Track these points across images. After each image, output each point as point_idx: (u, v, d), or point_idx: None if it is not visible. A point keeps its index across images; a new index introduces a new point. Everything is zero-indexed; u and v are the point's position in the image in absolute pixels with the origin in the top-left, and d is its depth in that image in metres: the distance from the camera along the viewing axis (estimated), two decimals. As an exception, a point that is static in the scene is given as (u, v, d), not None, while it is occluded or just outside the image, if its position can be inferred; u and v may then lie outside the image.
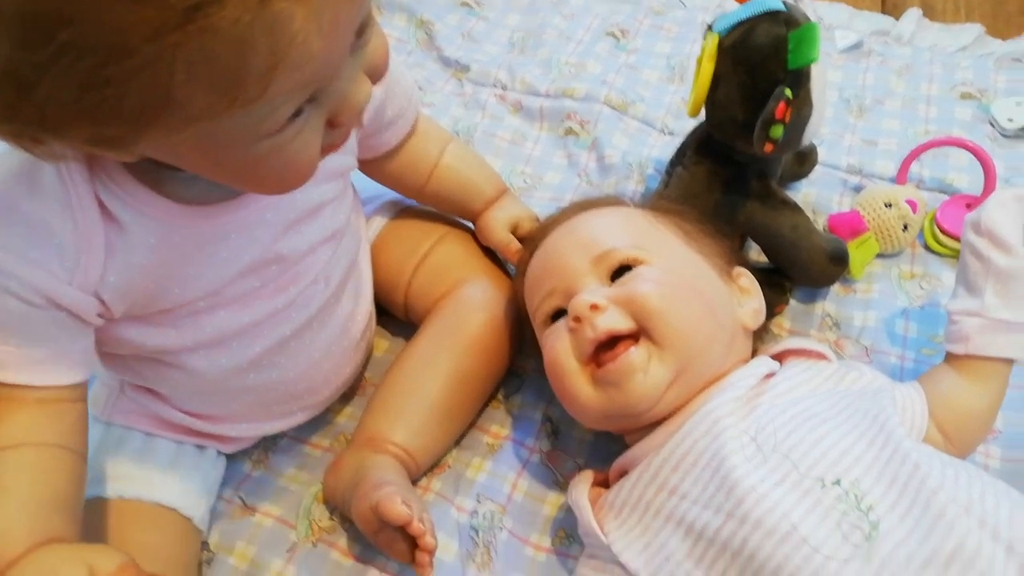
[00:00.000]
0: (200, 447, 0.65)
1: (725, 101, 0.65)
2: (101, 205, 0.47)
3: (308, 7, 0.35)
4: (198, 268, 0.52)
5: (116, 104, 0.34)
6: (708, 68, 0.64)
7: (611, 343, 0.54)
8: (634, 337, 0.54)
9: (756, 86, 0.62)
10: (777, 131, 0.60)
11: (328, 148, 0.46)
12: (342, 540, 0.64)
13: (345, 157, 0.62)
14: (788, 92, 0.60)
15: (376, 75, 0.46)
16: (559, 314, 0.59)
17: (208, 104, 0.36)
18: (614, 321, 0.54)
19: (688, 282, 0.57)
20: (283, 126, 0.40)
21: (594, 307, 0.54)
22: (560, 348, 0.56)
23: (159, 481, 0.61)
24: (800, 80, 0.61)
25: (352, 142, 0.62)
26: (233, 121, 0.38)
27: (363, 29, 0.42)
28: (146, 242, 0.49)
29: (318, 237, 0.59)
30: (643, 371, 0.53)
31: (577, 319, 0.55)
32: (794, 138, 0.63)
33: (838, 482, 0.48)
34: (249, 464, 0.69)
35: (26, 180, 0.45)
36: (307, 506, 0.66)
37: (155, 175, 0.48)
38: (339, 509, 0.65)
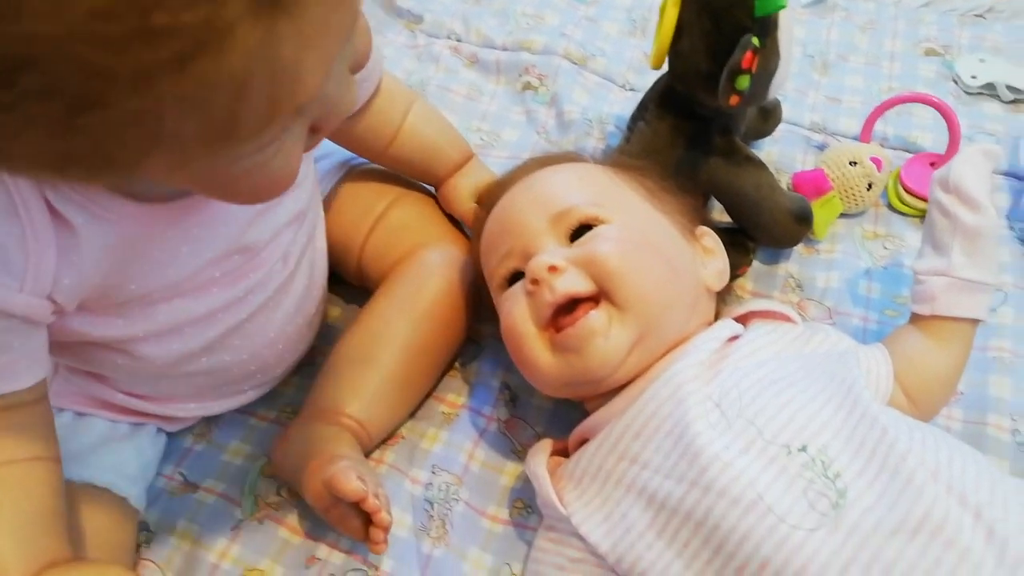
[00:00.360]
0: (136, 425, 0.61)
1: (689, 51, 0.62)
2: (51, 209, 0.43)
3: (312, 52, 0.32)
4: (158, 265, 0.48)
5: (87, 154, 0.31)
6: (672, 16, 0.61)
7: (570, 306, 0.51)
8: (594, 300, 0.51)
9: (722, 35, 0.59)
10: (743, 82, 0.57)
11: (308, 149, 0.43)
12: (290, 516, 0.61)
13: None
14: (755, 41, 0.57)
15: (359, 66, 0.43)
16: (516, 277, 0.56)
17: (191, 151, 0.33)
18: (573, 283, 0.51)
19: (650, 242, 0.54)
20: (267, 143, 0.37)
21: (552, 269, 0.51)
22: (517, 312, 0.53)
23: (89, 460, 0.57)
24: (767, 28, 0.58)
25: None
26: (229, 152, 0.35)
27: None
28: (103, 243, 0.45)
29: (282, 221, 0.56)
30: (604, 335, 0.50)
31: (535, 281, 0.52)
32: (760, 90, 0.61)
33: (804, 448, 0.46)
34: (191, 438, 0.66)
35: None
36: (252, 481, 0.63)
37: None
38: (287, 484, 0.62)
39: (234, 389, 0.63)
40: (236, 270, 0.53)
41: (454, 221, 0.72)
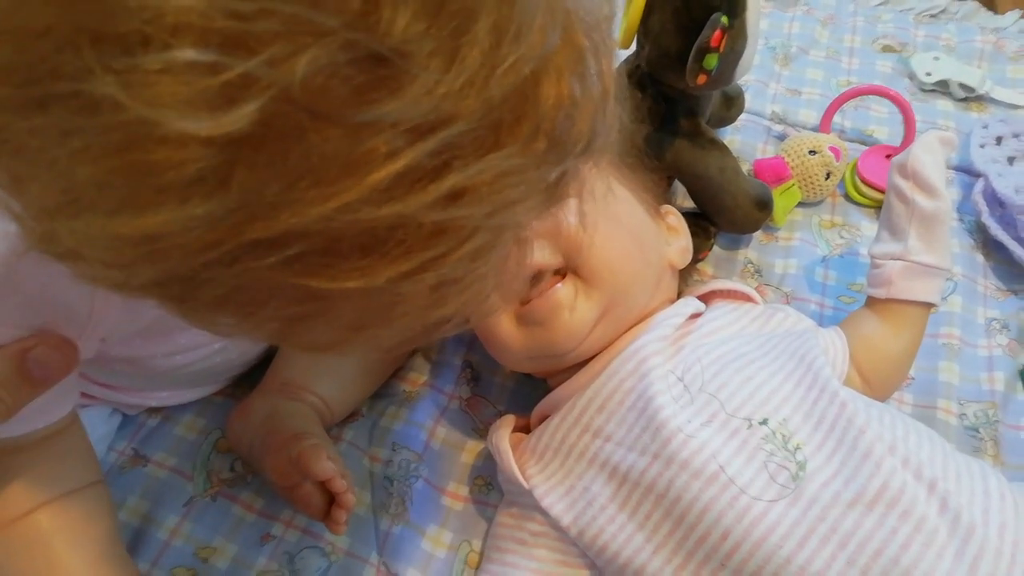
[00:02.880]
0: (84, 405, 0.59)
1: (658, 30, 0.62)
2: None
3: None
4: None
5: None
6: (641, -6, 0.61)
7: (535, 279, 0.51)
8: (560, 273, 0.51)
9: (691, 14, 0.59)
10: (711, 61, 0.58)
11: None
12: (245, 493, 0.59)
13: None
14: (724, 19, 0.57)
15: None
16: (481, 250, 0.55)
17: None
18: (540, 256, 0.51)
19: (616, 217, 0.54)
20: None
21: (519, 241, 0.51)
22: (482, 285, 0.53)
23: None
24: (737, 8, 0.58)
25: None
26: None
27: None
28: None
29: None
30: (569, 308, 0.50)
31: (500, 254, 0.51)
32: (727, 71, 0.61)
33: (765, 422, 0.47)
34: (144, 414, 0.64)
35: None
36: (206, 455, 0.61)
37: None
38: (243, 458, 0.60)
39: (213, 380, 0.62)
40: None
41: None
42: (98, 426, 0.59)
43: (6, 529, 0.44)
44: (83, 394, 0.57)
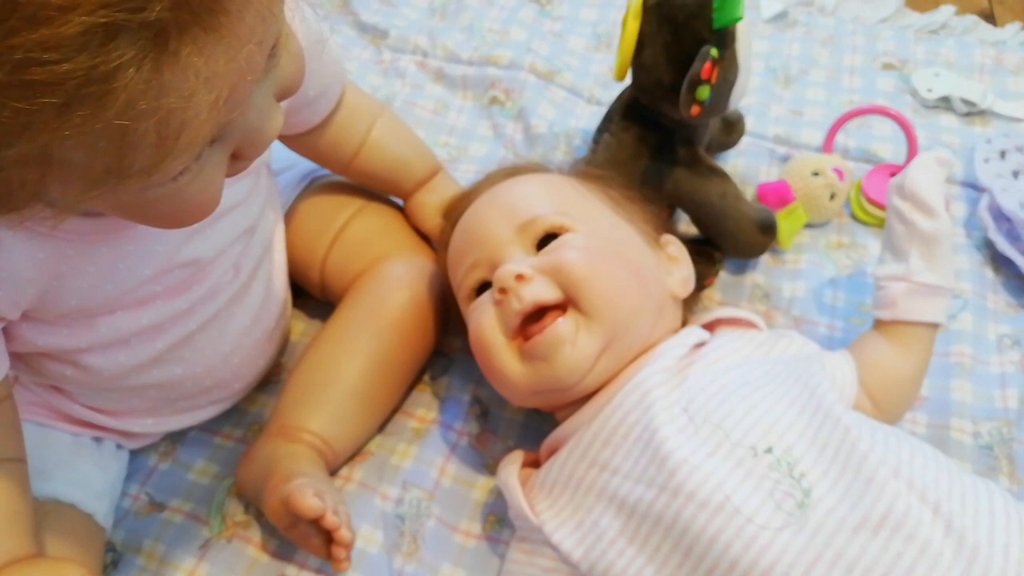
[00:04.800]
0: (97, 439, 0.60)
1: (651, 63, 0.63)
2: None
3: (203, 95, 0.31)
4: (94, 281, 0.48)
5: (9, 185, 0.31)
6: (633, 27, 0.62)
7: (538, 315, 0.52)
8: (561, 308, 0.51)
9: (681, 46, 0.60)
10: (703, 92, 0.58)
11: (232, 173, 0.42)
12: (258, 535, 0.60)
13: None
14: (714, 52, 0.58)
15: (290, 91, 0.42)
16: (484, 287, 0.56)
17: (90, 185, 0.33)
18: (541, 291, 0.51)
19: (615, 249, 0.55)
20: (180, 172, 0.36)
21: (519, 277, 0.51)
22: (485, 322, 0.53)
23: (53, 475, 0.56)
24: (726, 40, 0.59)
25: None
26: (129, 187, 0.34)
27: (273, 54, 0.37)
28: (33, 256, 0.44)
29: (229, 237, 0.55)
30: (571, 342, 0.50)
31: (502, 290, 0.52)
32: (721, 101, 0.62)
33: (770, 450, 0.47)
34: (155, 457, 0.65)
35: None
36: (220, 500, 0.61)
37: None
38: (252, 503, 0.61)
39: (191, 404, 0.61)
40: (179, 284, 0.53)
41: (420, 232, 0.72)
42: (109, 466, 0.60)
43: None
44: (74, 420, 0.58)
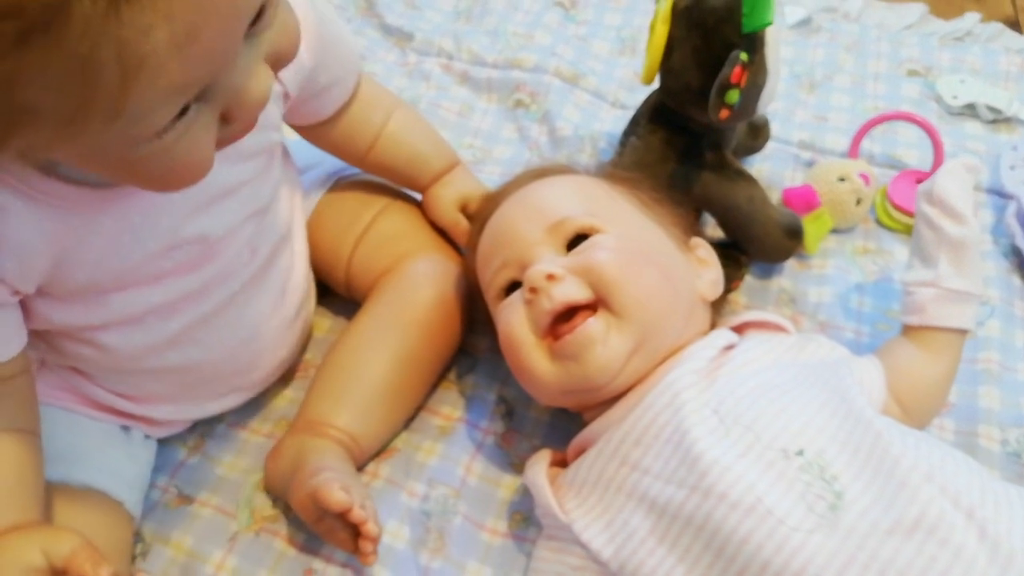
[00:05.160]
0: (125, 428, 0.61)
1: (679, 67, 0.63)
2: None
3: (160, 31, 0.32)
4: (101, 254, 0.49)
5: None
6: (662, 32, 0.62)
7: (568, 315, 0.52)
8: (592, 308, 0.52)
9: (711, 51, 0.61)
10: (733, 96, 0.59)
11: (227, 141, 0.43)
12: (286, 529, 0.60)
13: (263, 134, 0.57)
14: (744, 56, 0.58)
15: (283, 61, 0.42)
16: (513, 287, 0.56)
17: (59, 124, 0.33)
18: (571, 291, 0.51)
19: (646, 251, 0.55)
20: (165, 128, 0.37)
21: (550, 277, 0.52)
22: (515, 322, 0.54)
23: (85, 462, 0.57)
24: (755, 44, 0.59)
25: (272, 118, 0.57)
26: (100, 131, 0.35)
27: (261, 14, 0.38)
28: (39, 227, 0.45)
29: (238, 217, 0.55)
30: (602, 342, 0.51)
31: (533, 290, 0.52)
32: (749, 105, 0.62)
33: (801, 452, 0.47)
34: (184, 451, 0.65)
35: None
36: (248, 495, 0.62)
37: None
38: (280, 497, 0.61)
39: (211, 391, 0.62)
40: (189, 261, 0.53)
41: (437, 226, 0.72)
42: (138, 455, 0.61)
43: None
44: (98, 404, 0.59)
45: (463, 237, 0.68)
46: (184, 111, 0.37)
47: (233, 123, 0.41)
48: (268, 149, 0.58)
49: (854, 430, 0.48)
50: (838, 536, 0.44)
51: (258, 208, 0.57)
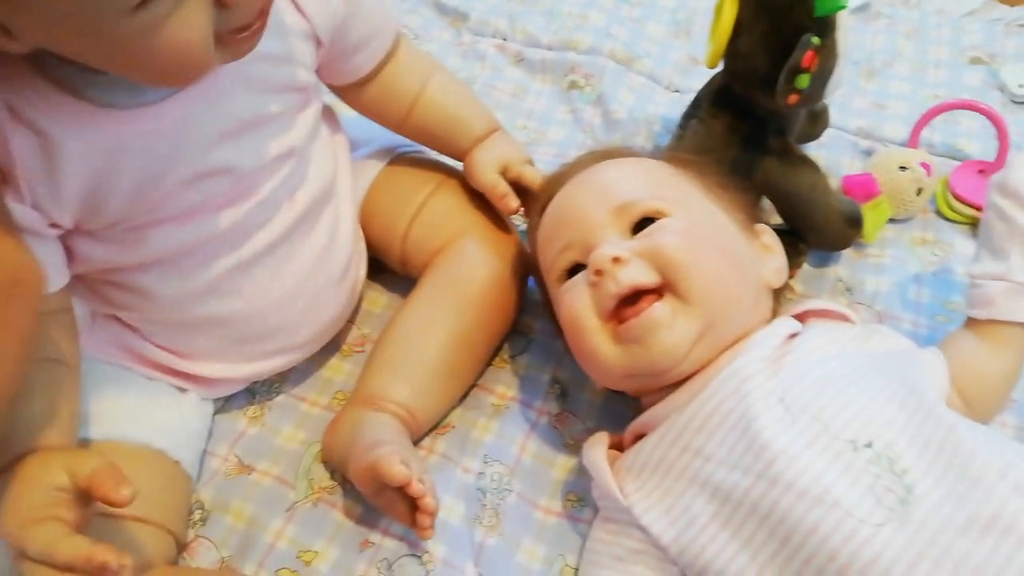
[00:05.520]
0: (181, 389, 0.62)
1: (747, 51, 0.62)
2: (15, 116, 0.45)
3: None
4: (131, 179, 0.50)
5: None
6: (730, 15, 0.61)
7: (633, 298, 0.52)
8: (657, 292, 0.52)
9: (780, 34, 0.60)
10: (803, 81, 0.58)
11: (230, 35, 0.42)
12: (343, 501, 0.61)
13: (287, 68, 0.56)
14: (815, 40, 0.57)
15: None
16: (576, 269, 0.56)
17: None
18: (638, 274, 0.51)
19: (713, 236, 0.55)
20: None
21: (616, 260, 0.51)
22: (579, 304, 0.54)
23: (142, 421, 0.58)
24: (827, 28, 0.58)
25: (299, 53, 0.57)
26: None
27: None
28: (70, 149, 0.47)
29: (267, 153, 0.56)
30: (668, 327, 0.50)
31: (598, 272, 0.52)
32: (818, 90, 0.61)
33: (870, 445, 0.46)
34: (244, 420, 0.67)
35: None
36: (307, 465, 0.63)
37: (73, 80, 0.46)
38: (338, 469, 0.62)
39: (258, 350, 0.63)
40: (221, 195, 0.54)
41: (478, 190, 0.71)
42: (191, 415, 0.62)
43: None
44: (149, 361, 0.61)
45: (501, 200, 0.68)
46: None
47: (231, 8, 0.41)
48: (298, 88, 0.58)
49: (924, 423, 0.47)
50: (909, 530, 0.43)
51: (291, 148, 0.57)
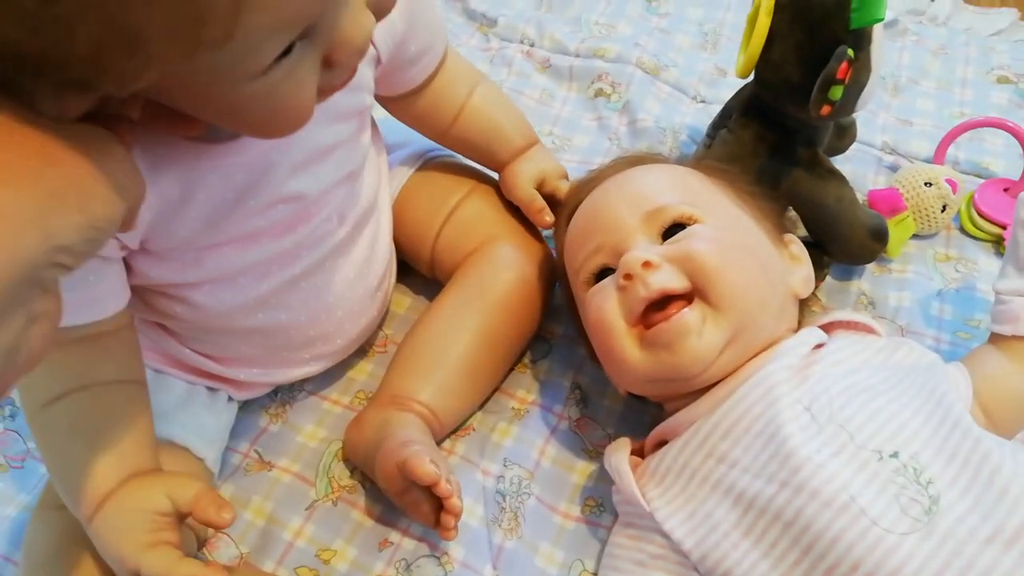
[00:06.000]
0: (211, 389, 0.63)
1: (780, 61, 0.62)
2: None
3: None
4: (203, 209, 0.50)
5: (69, 45, 0.30)
6: (764, 24, 0.62)
7: (661, 303, 0.52)
8: (686, 298, 0.52)
9: (814, 46, 0.60)
10: (836, 93, 0.58)
11: (328, 90, 0.43)
12: (363, 500, 0.61)
13: (356, 96, 0.57)
14: (851, 52, 0.57)
15: (383, 10, 0.42)
16: (604, 273, 0.57)
17: (169, 47, 0.32)
18: (668, 280, 0.51)
19: (743, 243, 0.55)
20: (270, 67, 0.37)
21: (647, 264, 0.52)
22: (607, 307, 0.54)
23: (169, 418, 0.58)
24: (862, 41, 0.58)
25: (365, 79, 0.58)
26: (208, 62, 0.34)
27: None
28: (148, 180, 0.45)
29: (332, 179, 0.56)
30: (697, 333, 0.50)
31: (628, 276, 0.52)
32: (850, 103, 0.61)
33: (896, 455, 0.46)
34: (266, 418, 0.67)
35: None
36: (327, 463, 0.63)
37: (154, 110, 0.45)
38: (360, 467, 0.62)
39: (295, 357, 0.63)
40: (283, 221, 0.54)
41: (513, 203, 0.72)
42: (220, 414, 0.63)
43: (49, 407, 0.49)
44: (187, 366, 0.61)
45: (538, 214, 0.68)
46: (289, 50, 0.37)
47: (334, 68, 0.41)
48: (360, 112, 0.59)
49: (951, 435, 0.47)
50: (934, 541, 0.43)
51: (350, 172, 0.58)
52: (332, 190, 0.56)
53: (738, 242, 0.54)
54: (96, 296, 0.49)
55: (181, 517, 0.48)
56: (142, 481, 0.49)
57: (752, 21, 0.64)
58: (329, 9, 0.37)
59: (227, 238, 0.52)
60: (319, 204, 0.56)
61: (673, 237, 0.54)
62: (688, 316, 0.51)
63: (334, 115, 0.54)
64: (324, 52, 0.40)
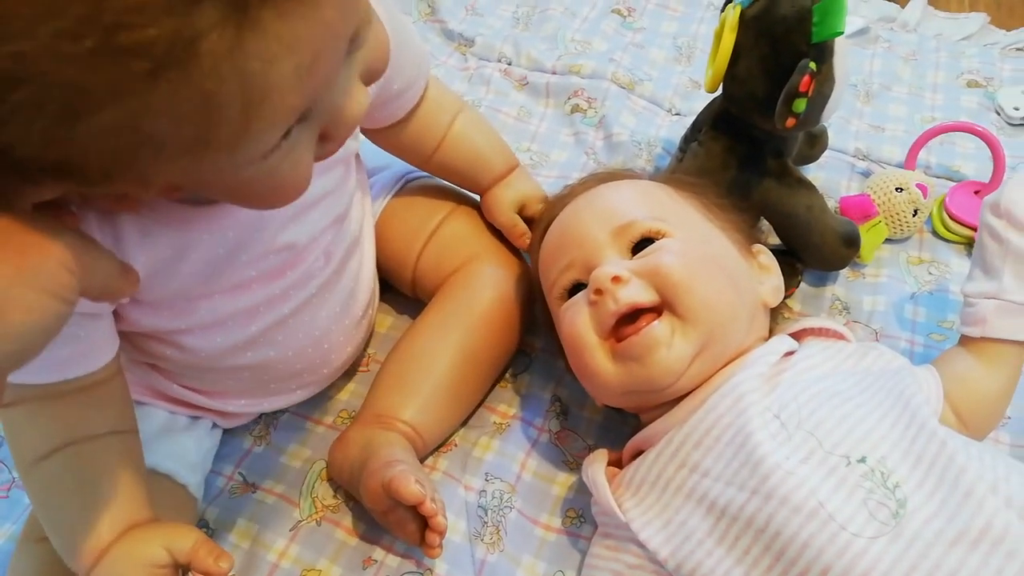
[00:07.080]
0: (194, 417, 0.63)
1: (745, 75, 0.64)
2: (86, 202, 0.45)
3: (285, 61, 0.32)
4: (195, 265, 0.50)
5: (81, 160, 0.32)
6: (729, 40, 0.63)
7: (632, 317, 0.53)
8: (656, 311, 0.53)
9: (778, 60, 0.61)
10: (800, 105, 0.59)
11: (322, 157, 0.43)
12: (347, 519, 0.62)
13: (348, 142, 0.58)
14: (812, 65, 0.59)
15: (374, 76, 0.43)
16: (577, 288, 0.58)
17: (178, 154, 0.33)
18: (637, 294, 0.52)
19: (711, 256, 0.56)
20: (271, 150, 0.37)
21: (616, 279, 0.53)
22: (579, 322, 0.55)
23: (152, 447, 0.59)
24: (824, 54, 0.60)
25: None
26: (216, 160, 0.35)
27: (357, 34, 0.38)
28: (141, 242, 0.47)
29: (321, 225, 0.57)
30: (667, 345, 0.51)
31: (598, 291, 0.53)
32: (815, 114, 0.62)
33: (863, 460, 0.47)
34: (250, 440, 0.68)
35: None
36: (311, 484, 0.64)
37: None
38: (344, 487, 0.63)
39: (283, 387, 0.64)
40: (274, 269, 0.55)
41: (495, 226, 0.73)
42: (203, 440, 0.63)
43: (42, 462, 0.49)
44: (172, 399, 0.61)
45: (520, 238, 0.70)
46: (287, 134, 0.37)
47: (330, 141, 0.42)
48: (347, 158, 0.60)
49: (917, 438, 0.48)
50: (901, 543, 0.44)
51: (338, 215, 0.59)
52: (321, 235, 0.57)
53: (706, 254, 0.55)
54: (85, 351, 0.49)
55: (178, 568, 0.49)
56: (139, 533, 0.49)
57: (718, 37, 0.65)
58: (326, 93, 0.38)
59: (219, 288, 0.53)
60: (309, 249, 0.57)
61: (642, 252, 0.55)
62: (657, 329, 0.52)
63: (324, 167, 0.54)
64: (320, 129, 0.41)
